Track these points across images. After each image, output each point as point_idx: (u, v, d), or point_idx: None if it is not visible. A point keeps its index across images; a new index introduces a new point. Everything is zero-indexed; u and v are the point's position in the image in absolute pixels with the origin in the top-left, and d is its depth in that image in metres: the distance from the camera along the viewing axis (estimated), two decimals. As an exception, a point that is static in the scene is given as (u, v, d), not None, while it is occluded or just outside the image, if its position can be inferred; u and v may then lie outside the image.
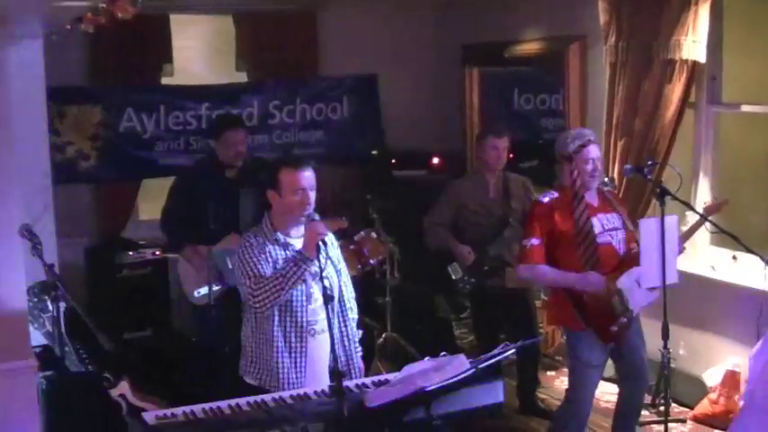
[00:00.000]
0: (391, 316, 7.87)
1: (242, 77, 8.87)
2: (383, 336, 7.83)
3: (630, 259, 5.53)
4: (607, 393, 6.88)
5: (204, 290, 6.49)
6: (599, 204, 5.71)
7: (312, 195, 4.74)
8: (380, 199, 7.79)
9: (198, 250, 6.59)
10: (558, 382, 7.78)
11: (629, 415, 5.95)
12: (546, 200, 5.67)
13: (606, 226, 5.64)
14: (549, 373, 7.97)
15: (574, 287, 5.54)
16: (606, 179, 5.95)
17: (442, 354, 4.46)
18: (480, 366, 4.33)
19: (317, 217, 4.69)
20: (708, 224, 5.81)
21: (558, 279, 5.62)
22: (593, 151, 5.60)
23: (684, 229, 6.07)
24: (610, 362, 6.02)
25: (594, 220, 5.59)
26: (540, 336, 7.72)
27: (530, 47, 8.59)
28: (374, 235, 7.36)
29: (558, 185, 5.82)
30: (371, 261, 7.31)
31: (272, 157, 7.98)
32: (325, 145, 8.83)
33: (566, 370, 7.85)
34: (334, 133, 8.93)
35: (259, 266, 4.69)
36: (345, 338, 4.90)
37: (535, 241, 5.57)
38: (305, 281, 4.71)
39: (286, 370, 4.79)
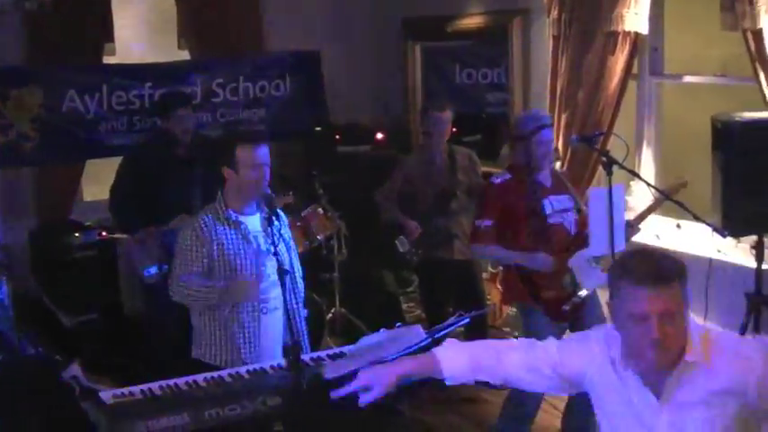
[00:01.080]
0: (339, 292, 7.90)
1: (184, 56, 8.80)
2: (332, 311, 7.86)
3: (582, 240, 5.60)
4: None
5: (154, 269, 6.48)
6: (552, 185, 5.78)
7: (267, 171, 4.76)
8: (326, 175, 7.80)
9: (148, 230, 6.57)
10: (506, 353, 7.86)
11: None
12: (498, 181, 5.75)
13: (557, 207, 5.73)
14: (497, 344, 8.03)
15: (523, 265, 5.62)
16: (574, 137, 6.02)
17: (397, 325, 4.50)
18: (436, 336, 4.38)
19: (270, 192, 4.72)
20: (656, 193, 5.89)
21: (509, 257, 5.74)
22: (548, 134, 5.69)
23: (630, 198, 6.16)
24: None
25: (546, 202, 5.68)
26: (488, 307, 7.79)
27: (472, 21, 8.63)
28: (321, 211, 7.37)
29: (510, 165, 5.88)
30: (319, 237, 7.33)
31: (217, 135, 7.97)
32: (268, 122, 8.78)
33: (513, 341, 7.97)
34: (278, 110, 8.89)
35: (191, 265, 4.79)
36: (296, 315, 4.92)
37: (487, 222, 5.67)
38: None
39: (240, 349, 4.83)
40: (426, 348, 4.38)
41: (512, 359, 3.46)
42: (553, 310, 5.65)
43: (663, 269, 2.97)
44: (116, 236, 7.07)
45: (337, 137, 9.08)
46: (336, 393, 3.48)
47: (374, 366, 3.52)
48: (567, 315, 5.64)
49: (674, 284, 2.97)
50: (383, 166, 7.39)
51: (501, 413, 5.91)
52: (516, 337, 7.94)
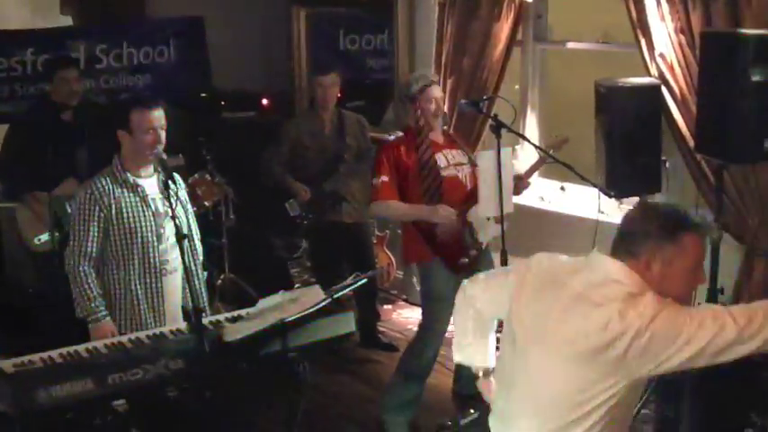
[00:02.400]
0: (228, 257, 7.91)
1: (67, 21, 8.66)
2: (221, 277, 7.87)
3: (474, 193, 5.69)
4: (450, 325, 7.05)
5: (45, 236, 6.40)
6: (444, 142, 5.87)
7: (163, 134, 4.76)
8: (212, 141, 7.77)
9: (37, 197, 6.49)
10: (395, 315, 8.00)
11: None
12: (392, 138, 5.81)
13: (451, 161, 5.79)
14: (386, 306, 8.17)
15: (425, 220, 5.69)
16: (463, 101, 6.07)
17: (296, 286, 4.56)
18: (335, 296, 4.46)
19: (165, 156, 4.71)
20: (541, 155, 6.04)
21: (410, 212, 5.75)
22: (436, 92, 5.75)
23: (515, 162, 6.29)
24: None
25: (439, 156, 5.75)
26: (379, 270, 7.87)
27: (357, -13, 8.68)
28: (208, 177, 7.35)
29: (403, 127, 5.94)
30: (206, 203, 7.31)
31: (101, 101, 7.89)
32: (153, 89, 8.70)
33: (402, 303, 8.12)
34: (162, 77, 8.82)
35: (87, 239, 4.77)
36: (195, 278, 4.94)
37: (385, 178, 5.69)
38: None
39: (143, 312, 4.83)
40: (327, 309, 4.47)
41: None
42: (452, 263, 5.75)
43: (703, 219, 3.22)
44: (1, 204, 6.95)
45: (222, 103, 9.05)
46: None
47: None
48: (466, 267, 5.75)
49: None
50: (269, 132, 7.41)
51: (396, 370, 6.02)
52: (405, 300, 8.11)
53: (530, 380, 3.20)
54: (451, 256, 5.72)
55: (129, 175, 4.82)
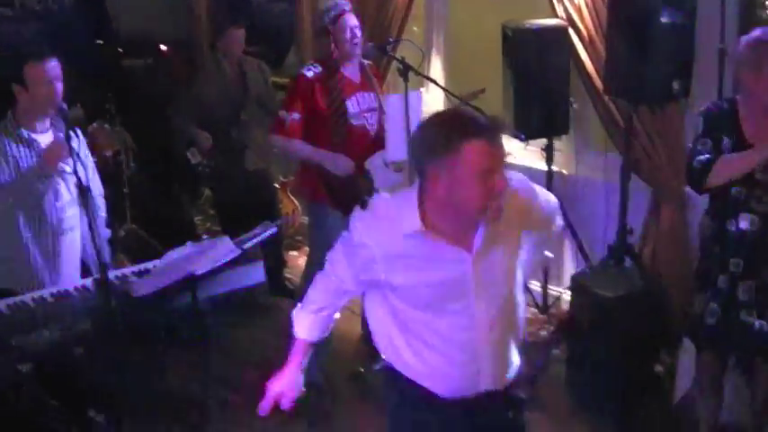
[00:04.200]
0: (130, 208, 7.75)
1: (-48, -34, 8.33)
2: (123, 228, 7.70)
3: (382, 142, 5.63)
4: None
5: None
6: (360, 81, 5.75)
7: (60, 86, 4.59)
8: (111, 89, 7.58)
9: None
10: (301, 262, 7.92)
11: None
12: (309, 74, 5.61)
13: (362, 106, 5.70)
14: (291, 253, 8.10)
15: (323, 165, 5.62)
16: (370, 44, 5.96)
17: (204, 238, 4.48)
18: (245, 247, 4.39)
19: (65, 106, 4.55)
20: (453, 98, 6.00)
21: (310, 156, 5.66)
22: (351, 20, 5.61)
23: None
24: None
25: (351, 100, 5.65)
26: (284, 217, 7.79)
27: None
28: (107, 126, 7.19)
29: (319, 59, 5.78)
30: (106, 153, 7.15)
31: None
32: (48, 37, 8.44)
33: (308, 249, 8.05)
34: (57, 25, 8.54)
35: None
36: (97, 235, 4.79)
37: (296, 116, 5.57)
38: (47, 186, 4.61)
39: (40, 271, 4.68)
40: (236, 259, 4.39)
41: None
42: (345, 208, 5.69)
43: (498, 125, 2.98)
44: None
45: (120, 50, 8.82)
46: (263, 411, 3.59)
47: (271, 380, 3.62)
48: None
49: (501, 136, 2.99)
50: (168, 79, 7.26)
51: None
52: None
53: None
54: (345, 202, 5.66)
55: (23, 130, 4.64)
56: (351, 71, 5.70)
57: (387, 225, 3.16)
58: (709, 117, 4.33)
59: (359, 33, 5.64)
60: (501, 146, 2.96)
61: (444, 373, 3.28)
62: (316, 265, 5.74)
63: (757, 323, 4.27)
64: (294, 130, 5.60)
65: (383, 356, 3.43)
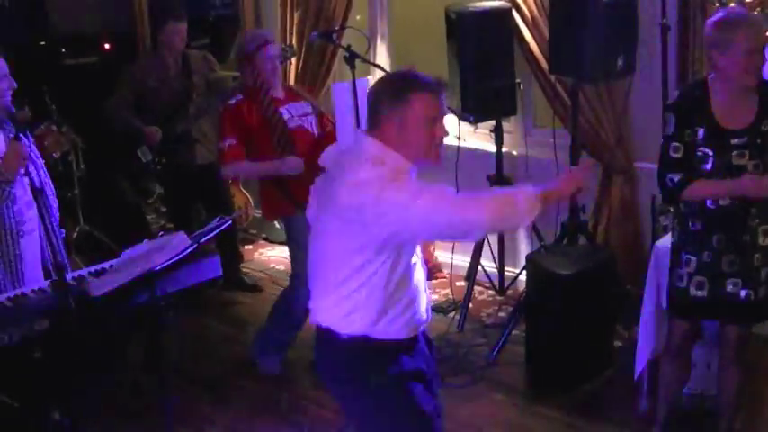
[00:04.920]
0: (82, 208, 7.69)
1: None
2: (77, 229, 7.64)
3: (328, 138, 5.64)
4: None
5: None
6: (285, 97, 5.80)
7: (6, 83, 4.51)
8: (55, 89, 7.51)
9: None
10: (257, 255, 7.95)
11: None
12: (233, 102, 5.69)
13: (295, 113, 5.74)
14: (247, 247, 8.11)
15: (276, 173, 5.62)
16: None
17: (160, 234, 4.45)
18: (201, 241, 4.37)
19: (13, 109, 4.50)
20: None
21: (262, 170, 5.70)
22: (271, 50, 5.67)
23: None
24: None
25: (283, 110, 5.69)
26: (238, 210, 7.77)
27: None
28: (54, 127, 7.11)
29: (242, 87, 5.83)
30: (54, 154, 7.06)
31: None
32: (-12, 36, 8.34)
33: (263, 242, 8.07)
34: (-2, 24, 8.46)
35: None
36: (53, 235, 4.74)
37: (232, 141, 5.62)
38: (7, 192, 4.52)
39: (2, 277, 4.59)
40: (193, 254, 4.38)
41: None
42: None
43: (434, 78, 3.48)
44: None
45: (63, 50, 8.73)
46: None
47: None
48: None
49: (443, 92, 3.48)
50: (112, 77, 7.20)
51: (268, 317, 6.02)
52: (265, 239, 8.06)
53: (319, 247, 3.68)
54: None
55: None
56: (274, 92, 5.75)
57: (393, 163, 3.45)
58: (680, 111, 4.32)
59: (278, 64, 5.77)
60: (442, 100, 3.45)
61: (415, 313, 3.60)
62: (299, 277, 5.82)
63: (743, 292, 4.36)
64: (235, 154, 5.65)
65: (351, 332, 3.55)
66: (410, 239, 3.45)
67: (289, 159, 5.59)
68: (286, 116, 5.69)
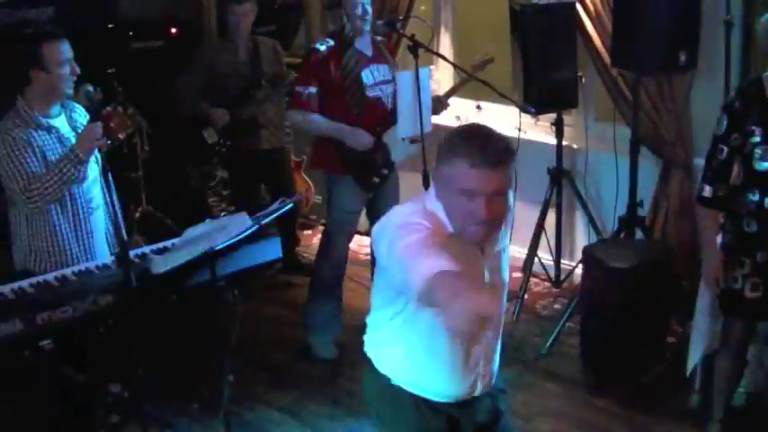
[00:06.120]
0: (145, 190, 7.81)
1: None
2: (139, 210, 7.76)
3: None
4: (365, 247, 7.10)
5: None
6: (373, 54, 5.80)
7: (69, 68, 4.57)
8: (122, 72, 7.61)
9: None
10: (315, 240, 7.99)
11: None
12: (323, 48, 5.66)
13: (377, 79, 5.75)
14: (306, 232, 8.19)
15: (340, 139, 5.66)
16: (380, 22, 6.00)
17: (222, 214, 4.52)
18: (263, 222, 4.43)
19: (90, 88, 4.57)
20: (461, 73, 6.05)
21: (329, 129, 5.69)
22: None
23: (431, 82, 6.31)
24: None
25: (366, 72, 5.70)
26: (297, 195, 7.84)
27: None
28: (120, 109, 7.19)
29: (331, 32, 5.87)
30: (120, 135, 7.15)
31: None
32: (57, 21, 8.46)
33: (321, 228, 8.11)
34: (66, 8, 8.57)
35: (29, 165, 4.43)
36: (116, 212, 4.81)
37: (312, 90, 5.62)
38: (84, 172, 4.59)
39: (75, 255, 4.68)
40: (254, 234, 4.45)
41: None
42: (362, 179, 5.78)
43: (498, 153, 2.99)
44: None
45: (131, 33, 8.85)
46: None
47: None
48: (376, 185, 5.82)
49: (506, 167, 3.03)
50: (179, 61, 7.29)
51: (308, 289, 6.17)
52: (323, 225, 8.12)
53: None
54: (362, 175, 5.74)
55: (39, 117, 4.54)
56: (363, 45, 5.75)
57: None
58: (733, 112, 4.27)
59: (369, 10, 5.68)
60: (494, 174, 2.99)
61: (447, 377, 3.37)
62: (332, 236, 5.89)
63: None
64: (311, 103, 5.65)
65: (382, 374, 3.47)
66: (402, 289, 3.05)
67: (360, 134, 5.64)
68: (368, 81, 5.71)
